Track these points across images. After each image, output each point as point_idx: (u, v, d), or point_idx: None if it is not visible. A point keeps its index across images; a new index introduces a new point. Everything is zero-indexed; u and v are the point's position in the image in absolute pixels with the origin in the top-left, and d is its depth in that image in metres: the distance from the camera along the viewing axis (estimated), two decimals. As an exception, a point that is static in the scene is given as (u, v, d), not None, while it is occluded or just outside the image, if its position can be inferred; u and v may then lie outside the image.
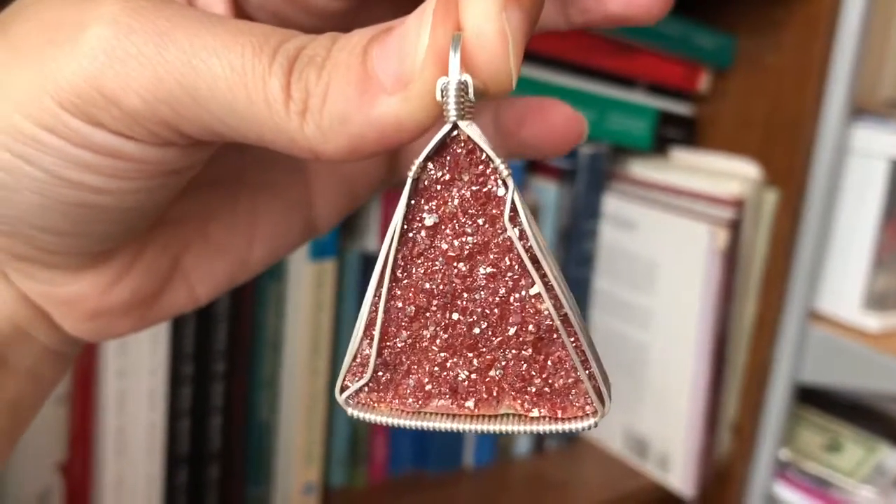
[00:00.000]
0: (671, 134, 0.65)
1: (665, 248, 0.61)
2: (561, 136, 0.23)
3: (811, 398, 0.70)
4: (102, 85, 0.16)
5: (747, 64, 0.63)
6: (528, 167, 0.62)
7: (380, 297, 0.17)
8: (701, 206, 0.59)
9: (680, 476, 0.62)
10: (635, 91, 0.63)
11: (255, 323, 0.50)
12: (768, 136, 0.62)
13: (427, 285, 0.17)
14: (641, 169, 0.63)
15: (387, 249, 0.17)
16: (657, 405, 0.63)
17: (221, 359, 0.49)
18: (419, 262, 0.17)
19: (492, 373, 0.17)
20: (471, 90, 0.15)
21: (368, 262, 0.55)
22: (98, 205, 0.18)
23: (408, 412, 0.18)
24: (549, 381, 0.17)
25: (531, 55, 0.56)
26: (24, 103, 0.16)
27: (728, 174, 0.60)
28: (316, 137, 0.16)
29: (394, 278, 0.17)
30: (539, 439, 0.66)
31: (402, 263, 0.17)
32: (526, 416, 0.17)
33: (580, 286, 0.65)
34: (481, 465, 0.63)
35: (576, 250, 0.64)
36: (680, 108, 0.65)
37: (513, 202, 0.16)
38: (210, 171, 0.22)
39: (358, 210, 0.53)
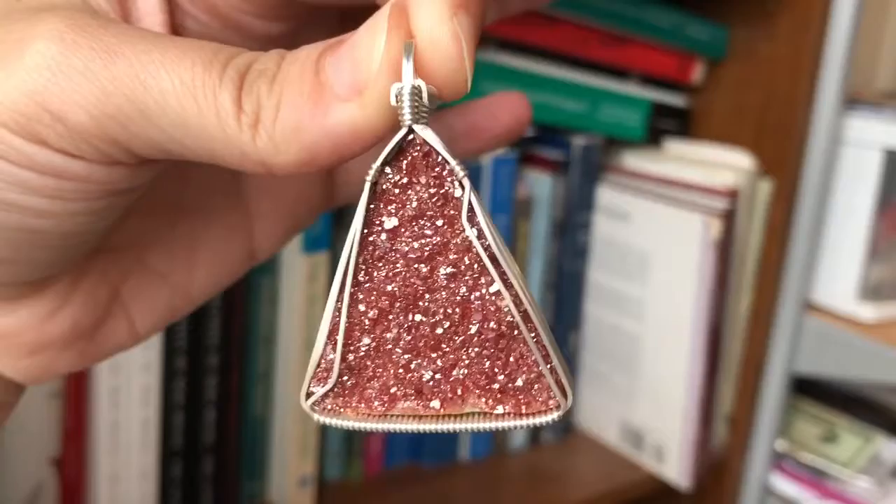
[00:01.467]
0: (665, 125, 0.65)
1: (659, 240, 0.61)
2: (508, 129, 0.24)
3: (807, 389, 0.70)
4: (47, 101, 0.16)
5: (741, 54, 0.63)
6: (522, 159, 0.62)
7: (342, 301, 0.17)
8: (695, 196, 0.59)
9: (676, 467, 0.62)
10: (628, 82, 0.63)
11: (249, 316, 0.50)
12: (762, 127, 0.61)
13: (389, 288, 0.17)
14: (635, 160, 0.63)
15: (347, 254, 0.17)
16: (652, 397, 0.63)
17: (215, 353, 0.49)
18: (380, 265, 0.17)
19: (456, 372, 0.17)
20: (424, 95, 0.16)
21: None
22: (39, 229, 0.17)
23: (374, 416, 0.18)
24: (512, 377, 0.17)
25: (525, 47, 0.56)
26: None
27: (722, 165, 0.60)
28: (268, 150, 0.16)
29: (355, 283, 0.17)
30: (535, 431, 0.66)
31: (364, 267, 0.17)
32: (491, 414, 0.17)
33: (574, 278, 0.65)
34: (477, 458, 0.63)
35: (570, 242, 0.64)
36: (673, 99, 0.65)
37: (470, 203, 0.17)
38: (148, 197, 0.22)
39: (351, 202, 0.53)
